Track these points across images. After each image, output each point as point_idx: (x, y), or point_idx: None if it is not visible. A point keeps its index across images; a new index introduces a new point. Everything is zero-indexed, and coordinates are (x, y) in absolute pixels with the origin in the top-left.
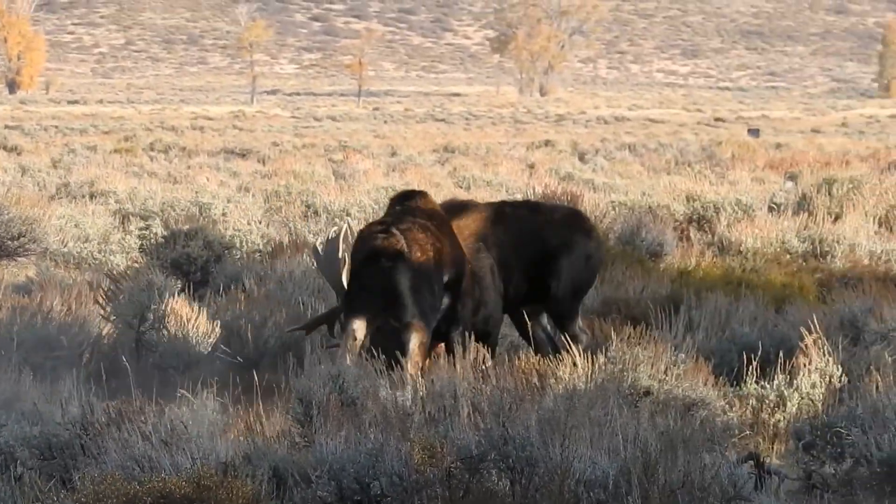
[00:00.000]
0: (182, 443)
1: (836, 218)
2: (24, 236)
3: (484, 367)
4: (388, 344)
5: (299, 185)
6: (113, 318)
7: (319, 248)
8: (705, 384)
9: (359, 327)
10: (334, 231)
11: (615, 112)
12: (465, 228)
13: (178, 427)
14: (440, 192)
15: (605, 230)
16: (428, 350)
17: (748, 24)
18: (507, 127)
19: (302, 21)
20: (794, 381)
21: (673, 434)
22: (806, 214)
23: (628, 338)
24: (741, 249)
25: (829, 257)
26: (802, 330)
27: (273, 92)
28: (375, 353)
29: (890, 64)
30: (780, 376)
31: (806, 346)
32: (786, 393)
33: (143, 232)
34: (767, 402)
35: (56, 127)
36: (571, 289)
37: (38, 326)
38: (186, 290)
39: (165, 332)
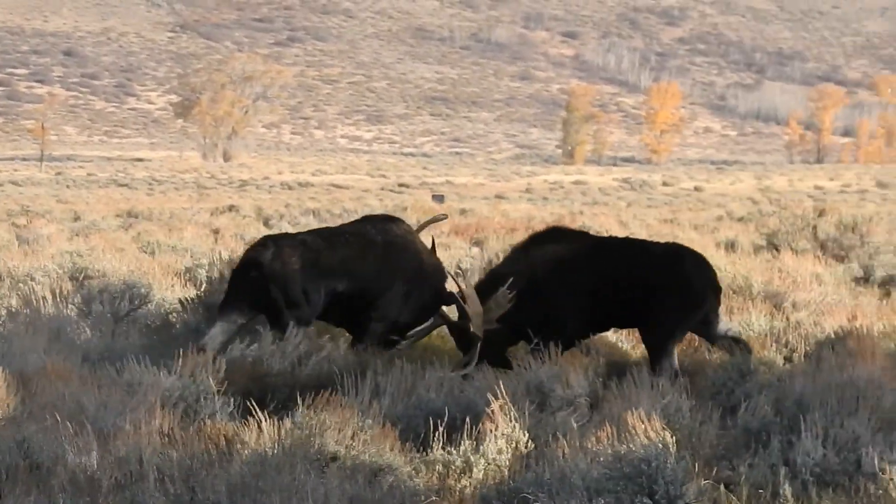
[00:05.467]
0: None
1: None
2: None
3: (171, 431)
4: None
5: None
6: None
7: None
8: (392, 449)
9: (221, 329)
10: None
11: (299, 177)
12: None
13: None
14: (125, 258)
15: None
16: None
17: (432, 91)
18: (191, 192)
19: None
20: (481, 447)
21: (362, 499)
22: None
23: (315, 403)
24: None
25: None
26: (489, 395)
27: None
28: None
29: (574, 130)
30: (467, 442)
31: (492, 411)
32: (472, 458)
33: None
34: (454, 467)
35: None
36: (666, 324)
37: None
38: None
39: None
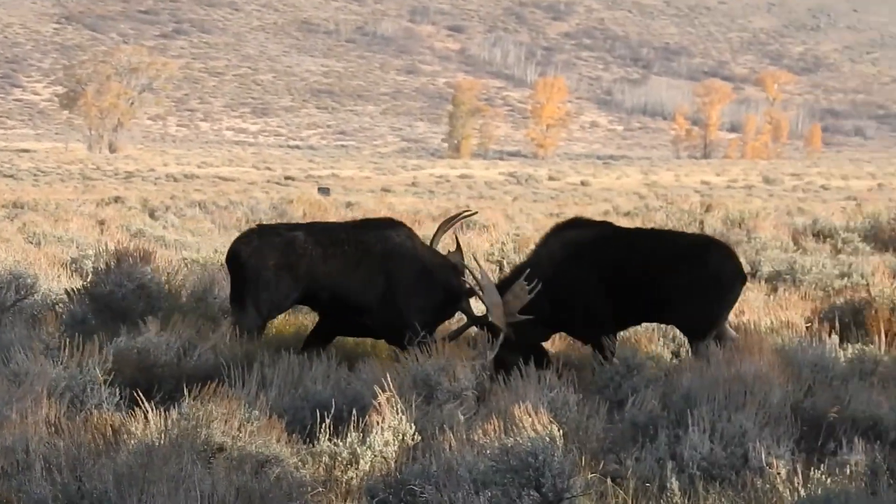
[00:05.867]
0: None
1: None
2: None
3: (57, 421)
4: None
5: None
6: None
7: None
8: (279, 441)
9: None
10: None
11: (185, 170)
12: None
13: None
14: (10, 248)
15: (176, 287)
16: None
17: (318, 84)
18: (77, 183)
19: None
20: (367, 439)
21: (249, 490)
22: None
23: (201, 394)
24: None
25: None
26: (376, 388)
27: None
28: None
29: (459, 124)
30: (353, 434)
31: (379, 403)
32: (359, 450)
33: None
34: (340, 459)
35: None
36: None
37: None
38: None
39: None
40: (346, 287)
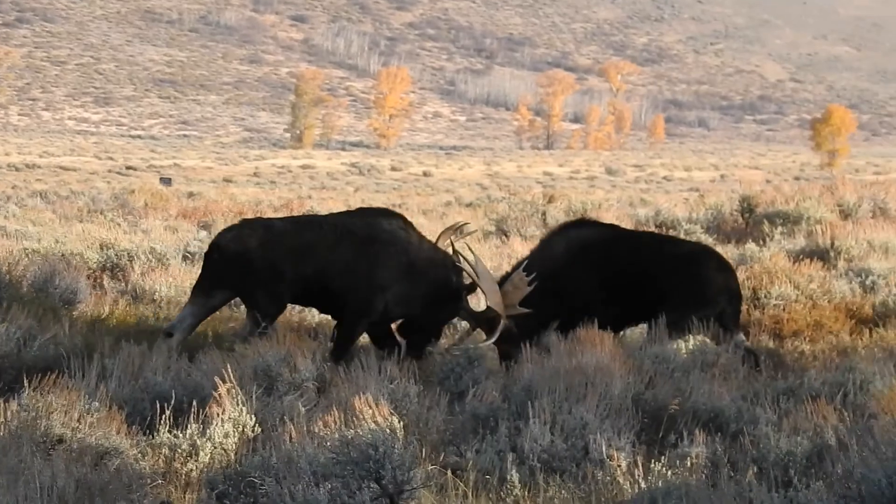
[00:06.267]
0: None
1: None
2: None
3: None
4: None
5: None
6: None
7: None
8: (118, 432)
9: (188, 311)
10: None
11: (26, 159)
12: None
13: None
14: None
15: (17, 277)
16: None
17: (161, 73)
18: None
19: None
20: (208, 431)
21: (89, 482)
22: None
23: (41, 385)
24: (155, 298)
25: (242, 307)
26: (216, 379)
27: None
28: None
29: (302, 114)
30: (194, 425)
31: (219, 395)
32: (199, 442)
33: None
34: (180, 450)
35: None
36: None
37: None
38: None
39: None
40: (328, 268)
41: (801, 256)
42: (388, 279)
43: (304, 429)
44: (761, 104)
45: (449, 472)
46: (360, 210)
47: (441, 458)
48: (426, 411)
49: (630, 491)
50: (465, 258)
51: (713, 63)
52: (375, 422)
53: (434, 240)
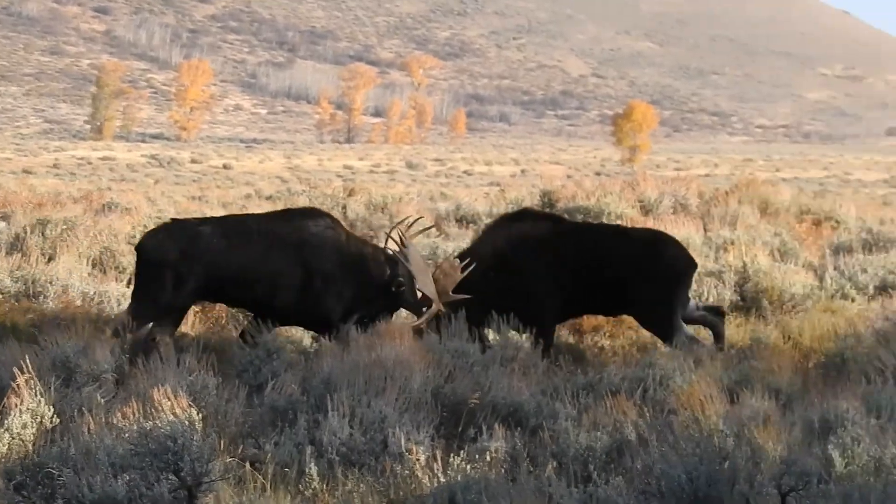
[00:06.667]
0: None
1: (50, 259)
2: None
3: None
4: None
5: None
6: None
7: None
8: None
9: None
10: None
11: None
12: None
13: None
14: None
15: None
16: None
17: None
18: None
19: None
20: (5, 422)
21: None
22: (19, 255)
23: None
24: None
25: (41, 297)
26: (15, 370)
27: None
28: None
29: (103, 106)
30: None
31: (18, 386)
32: None
33: None
34: None
35: None
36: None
37: None
38: None
39: None
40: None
41: None
42: (322, 282)
43: (103, 420)
44: (563, 99)
45: (247, 465)
46: (286, 211)
47: (240, 450)
48: (225, 403)
49: (429, 485)
50: (399, 248)
51: (515, 58)
52: (174, 414)
53: (386, 235)
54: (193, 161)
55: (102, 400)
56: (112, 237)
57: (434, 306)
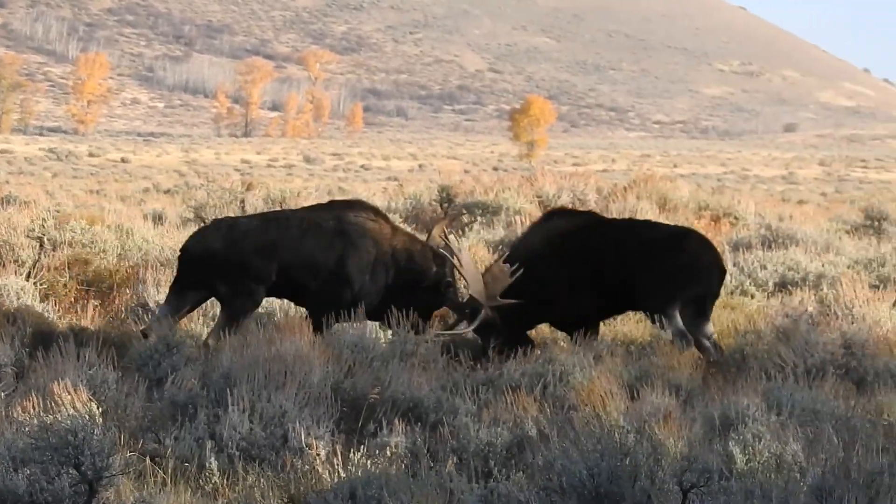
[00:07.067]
0: None
1: None
2: None
3: None
4: None
5: None
6: None
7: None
8: None
9: (161, 312)
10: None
11: None
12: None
13: None
14: None
15: None
16: None
17: None
18: None
19: None
20: None
21: None
22: None
23: None
24: None
25: None
26: None
27: None
28: None
29: (0, 99)
30: None
31: None
32: None
33: None
34: None
35: None
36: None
37: None
38: None
39: None
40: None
41: (500, 247)
42: (357, 271)
43: (3, 414)
44: (460, 94)
45: (148, 459)
46: (330, 203)
47: (140, 444)
48: (125, 398)
49: (329, 480)
50: (450, 248)
51: (412, 52)
52: (74, 408)
53: (430, 231)
54: (91, 154)
55: (2, 394)
56: (11, 231)
57: (483, 311)
